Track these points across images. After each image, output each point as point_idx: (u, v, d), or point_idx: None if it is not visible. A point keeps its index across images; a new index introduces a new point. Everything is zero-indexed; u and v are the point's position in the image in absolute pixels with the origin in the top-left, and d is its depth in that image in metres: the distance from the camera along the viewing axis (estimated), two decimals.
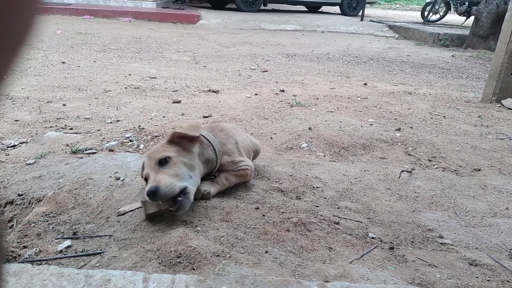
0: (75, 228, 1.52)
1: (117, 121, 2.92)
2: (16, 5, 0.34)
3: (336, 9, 14.73)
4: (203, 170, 1.72)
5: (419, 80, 5.28)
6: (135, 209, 1.61)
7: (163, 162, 1.55)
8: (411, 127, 3.16)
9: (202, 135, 1.77)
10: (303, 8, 15.28)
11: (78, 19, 8.86)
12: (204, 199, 1.70)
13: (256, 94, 3.94)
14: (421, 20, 11.47)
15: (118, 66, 4.90)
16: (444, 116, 3.54)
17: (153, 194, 1.43)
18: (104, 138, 2.56)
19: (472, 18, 9.01)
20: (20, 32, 0.36)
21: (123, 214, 1.59)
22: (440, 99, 4.17)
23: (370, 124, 3.15)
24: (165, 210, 1.52)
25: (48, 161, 2.13)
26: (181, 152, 1.62)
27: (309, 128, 2.94)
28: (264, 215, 1.65)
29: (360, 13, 12.56)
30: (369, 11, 16.45)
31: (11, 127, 2.70)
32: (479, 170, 2.47)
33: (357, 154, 2.64)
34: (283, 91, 4.12)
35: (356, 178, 2.21)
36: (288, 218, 1.66)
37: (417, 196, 2.06)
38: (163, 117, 3.07)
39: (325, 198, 1.94)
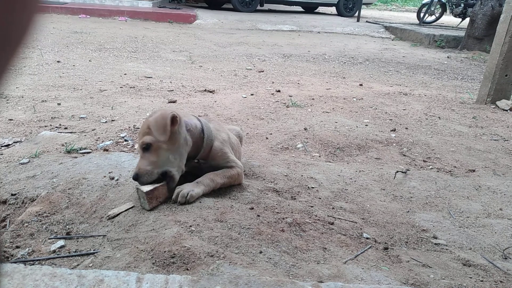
0: (69, 228, 1.51)
1: (112, 120, 2.91)
2: (16, 4, 0.34)
3: (333, 9, 14.75)
4: (190, 149, 1.74)
5: (414, 81, 5.30)
6: (124, 211, 1.60)
7: (145, 148, 1.62)
8: (406, 128, 3.17)
9: (199, 119, 1.81)
10: (299, 8, 15.30)
11: (73, 18, 8.82)
12: (188, 203, 1.64)
13: (252, 94, 3.94)
14: (417, 22, 11.50)
15: (114, 65, 4.89)
16: (439, 117, 3.55)
17: (135, 179, 1.61)
18: (99, 138, 2.55)
19: (467, 19, 9.05)
20: (20, 31, 0.36)
21: (114, 217, 1.58)
22: (435, 100, 4.18)
23: (366, 125, 3.15)
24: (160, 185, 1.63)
25: (42, 160, 2.11)
26: (160, 136, 1.64)
27: (305, 129, 2.94)
28: (258, 215, 1.65)
29: (356, 14, 12.58)
30: (365, 12, 16.49)
31: (5, 126, 2.69)
32: (474, 171, 2.48)
33: (352, 154, 2.64)
34: (279, 91, 4.13)
35: (351, 179, 2.21)
36: (283, 219, 1.65)
37: (411, 197, 2.07)
38: None
39: (320, 198, 1.94)
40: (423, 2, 11.73)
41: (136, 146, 1.75)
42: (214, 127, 1.88)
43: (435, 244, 1.65)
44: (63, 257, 1.35)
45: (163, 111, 1.65)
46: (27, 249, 1.39)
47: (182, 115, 1.73)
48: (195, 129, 1.75)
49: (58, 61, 4.78)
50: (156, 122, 1.61)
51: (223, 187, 1.81)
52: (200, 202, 1.69)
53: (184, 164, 1.72)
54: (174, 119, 1.63)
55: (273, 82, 4.61)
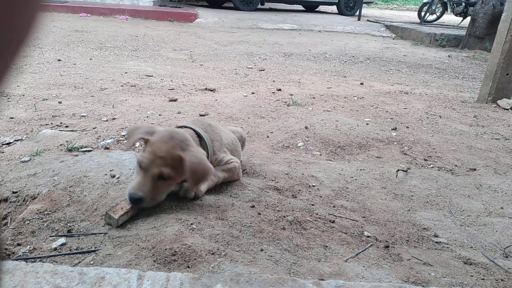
0: (70, 226, 1.51)
1: (113, 119, 2.91)
2: (19, 3, 0.34)
3: (333, 8, 14.74)
4: None
5: (415, 80, 5.29)
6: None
7: (162, 177, 1.54)
8: (407, 127, 3.17)
9: (196, 131, 1.77)
10: (300, 7, 15.28)
11: (74, 17, 8.82)
12: (196, 199, 1.69)
13: (252, 93, 3.93)
14: (418, 20, 11.49)
15: (115, 64, 4.88)
16: (440, 116, 3.55)
17: (137, 202, 1.52)
18: (99, 136, 2.55)
19: (468, 18, 9.03)
20: (23, 30, 0.35)
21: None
22: (436, 99, 4.18)
23: (366, 124, 3.15)
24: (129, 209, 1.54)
25: (43, 158, 2.12)
26: (179, 174, 1.58)
27: (306, 127, 2.94)
28: (259, 213, 1.65)
29: (357, 13, 12.56)
30: (366, 11, 16.47)
31: (6, 124, 2.69)
32: (475, 169, 2.48)
33: (353, 153, 2.64)
34: (279, 90, 4.12)
35: (352, 177, 2.21)
36: (284, 217, 1.66)
37: (412, 195, 2.07)
38: (159, 115, 3.07)
39: (320, 196, 1.94)
40: (424, 1, 11.71)
41: (145, 164, 1.54)
42: (210, 137, 1.82)
43: (436, 242, 1.65)
44: (64, 254, 1.35)
45: (205, 162, 1.55)
46: (28, 246, 1.39)
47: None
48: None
49: (59, 60, 4.78)
50: (196, 171, 1.52)
51: (224, 181, 1.84)
52: (201, 200, 1.69)
53: None
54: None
55: (274, 81, 4.60)
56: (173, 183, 1.60)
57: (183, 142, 1.59)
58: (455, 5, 10.55)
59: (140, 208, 1.57)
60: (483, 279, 1.41)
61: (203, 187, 1.72)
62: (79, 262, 1.31)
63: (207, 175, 1.57)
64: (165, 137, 1.58)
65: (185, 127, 1.80)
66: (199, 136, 1.77)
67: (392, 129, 3.07)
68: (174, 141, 1.57)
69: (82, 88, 3.71)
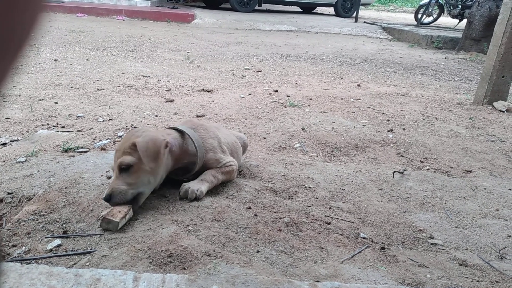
0: (65, 227, 1.51)
1: (109, 119, 2.91)
2: (21, 4, 0.34)
3: (331, 10, 14.76)
4: (170, 167, 1.73)
5: (412, 81, 5.31)
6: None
7: (124, 168, 1.55)
8: (404, 128, 3.18)
9: (180, 129, 1.77)
10: (297, 8, 15.30)
11: (71, 17, 8.80)
12: (197, 200, 1.69)
13: (249, 94, 3.94)
14: (415, 22, 11.52)
15: (111, 64, 4.88)
16: (436, 118, 3.56)
17: (107, 200, 1.53)
18: (96, 137, 2.54)
19: (465, 21, 9.07)
20: (23, 31, 0.35)
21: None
22: (433, 101, 4.19)
23: (363, 125, 3.16)
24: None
25: (39, 159, 2.11)
26: (140, 159, 1.58)
27: (302, 129, 2.95)
28: (256, 215, 1.65)
29: (354, 15, 12.59)
30: (363, 12, 16.52)
31: (1, 124, 2.68)
32: (470, 171, 2.49)
33: (350, 154, 2.65)
34: (276, 91, 4.13)
35: (348, 179, 2.21)
36: (280, 218, 1.66)
37: (408, 197, 2.08)
38: (156, 116, 3.06)
39: (317, 198, 1.94)
40: (421, 3, 11.75)
41: (112, 163, 1.62)
42: (201, 135, 1.82)
43: (432, 244, 1.66)
44: (60, 256, 1.35)
45: (155, 137, 1.60)
46: (24, 248, 1.39)
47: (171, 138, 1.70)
48: (177, 148, 1.73)
49: (56, 60, 4.77)
50: (147, 148, 1.55)
51: (222, 182, 1.86)
52: (198, 201, 1.69)
53: (159, 184, 1.71)
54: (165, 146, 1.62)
55: (271, 82, 4.61)
56: (140, 169, 1.56)
57: (139, 131, 1.65)
58: (451, 8, 10.59)
59: (134, 210, 1.56)
60: (478, 280, 1.42)
61: (204, 188, 1.73)
62: (74, 264, 1.30)
63: (158, 147, 1.58)
64: (125, 135, 1.70)
65: (171, 128, 1.81)
66: (181, 133, 1.78)
67: (388, 131, 3.08)
68: (130, 133, 1.66)
69: (78, 88, 3.70)
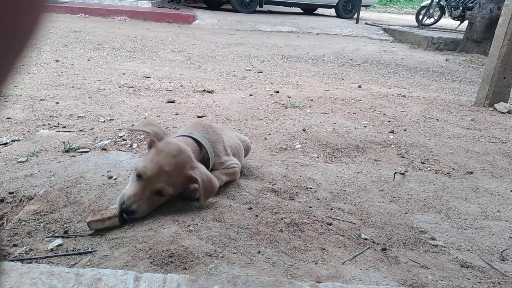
0: (66, 227, 1.51)
1: (110, 120, 2.91)
2: (24, 4, 0.34)
3: (332, 11, 14.77)
4: None
5: (413, 83, 5.31)
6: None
7: (159, 193, 1.54)
8: (405, 130, 3.18)
9: (195, 138, 1.75)
10: (298, 10, 15.30)
11: (72, 18, 8.81)
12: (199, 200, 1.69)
13: (250, 95, 3.94)
14: (416, 24, 11.52)
15: (113, 65, 4.88)
16: (437, 119, 3.56)
17: (130, 213, 1.49)
18: (97, 137, 2.54)
19: (466, 22, 9.07)
20: (26, 31, 0.35)
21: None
22: (434, 102, 4.19)
23: (364, 126, 3.16)
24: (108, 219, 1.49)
25: (40, 159, 2.11)
26: (176, 191, 1.61)
27: (303, 130, 2.94)
28: (257, 215, 1.65)
29: (355, 16, 12.60)
30: (364, 14, 16.52)
31: (3, 124, 2.68)
32: (472, 173, 2.48)
33: (351, 155, 2.64)
34: (277, 92, 4.13)
35: (349, 180, 2.21)
36: (281, 219, 1.65)
37: (409, 198, 2.07)
38: (157, 116, 3.06)
39: (318, 199, 1.94)
40: (422, 4, 11.75)
41: (147, 176, 1.49)
42: (210, 139, 1.82)
43: (433, 245, 1.65)
44: (61, 255, 1.34)
45: (216, 182, 1.64)
46: (25, 247, 1.39)
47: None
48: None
49: (57, 60, 4.77)
50: (208, 191, 1.61)
51: (225, 183, 1.87)
52: (198, 202, 1.69)
53: None
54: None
55: (272, 83, 4.61)
56: (166, 199, 1.59)
57: (190, 158, 1.59)
58: (452, 9, 10.59)
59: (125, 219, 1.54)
60: (480, 282, 1.41)
61: None
62: (75, 263, 1.30)
63: (216, 191, 1.67)
64: (174, 151, 1.54)
65: (185, 136, 1.77)
66: (199, 145, 1.76)
67: (389, 132, 3.08)
68: (182, 157, 1.55)
69: (79, 88, 3.70)
